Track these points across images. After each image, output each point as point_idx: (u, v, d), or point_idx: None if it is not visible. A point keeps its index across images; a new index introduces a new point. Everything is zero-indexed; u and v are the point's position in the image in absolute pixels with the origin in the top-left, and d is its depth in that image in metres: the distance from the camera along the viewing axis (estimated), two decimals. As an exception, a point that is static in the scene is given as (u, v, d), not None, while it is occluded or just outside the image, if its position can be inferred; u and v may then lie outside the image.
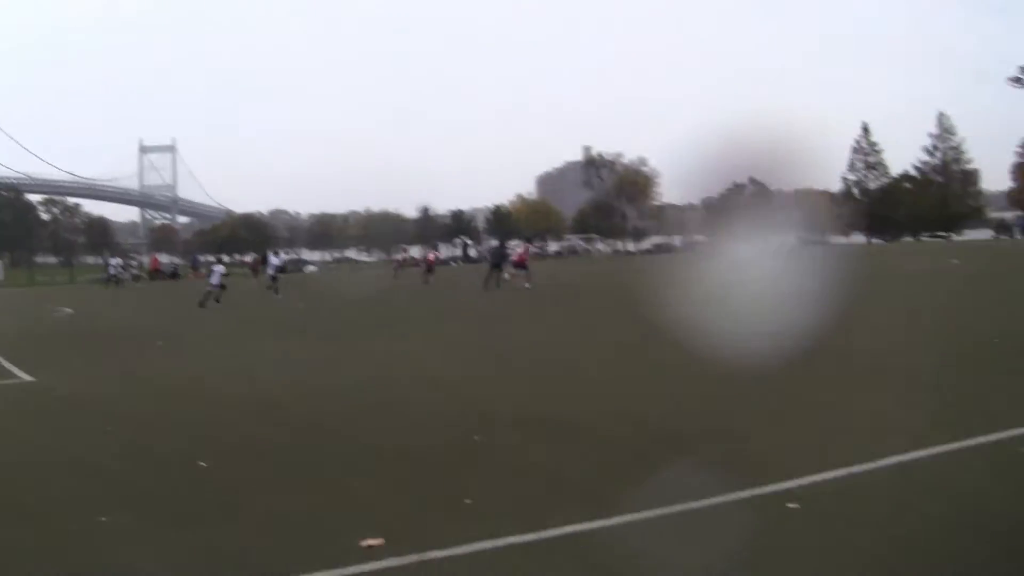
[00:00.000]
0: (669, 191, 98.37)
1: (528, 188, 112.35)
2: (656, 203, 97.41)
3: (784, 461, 5.00)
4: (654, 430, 6.25)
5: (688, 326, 10.10)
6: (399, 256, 44.05)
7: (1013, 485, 4.38)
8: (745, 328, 9.55)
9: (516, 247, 30.94)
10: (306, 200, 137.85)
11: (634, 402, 7.36)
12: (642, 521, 4.11)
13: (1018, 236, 60.24)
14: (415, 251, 54.85)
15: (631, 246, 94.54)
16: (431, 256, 36.96)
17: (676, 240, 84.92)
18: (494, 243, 35.97)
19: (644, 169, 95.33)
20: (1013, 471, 4.62)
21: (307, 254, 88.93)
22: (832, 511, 4.16)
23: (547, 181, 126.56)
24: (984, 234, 76.50)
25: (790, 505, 4.24)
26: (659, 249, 78.67)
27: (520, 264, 26.52)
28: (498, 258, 26.32)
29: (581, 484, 4.89)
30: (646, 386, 8.28)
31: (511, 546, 3.88)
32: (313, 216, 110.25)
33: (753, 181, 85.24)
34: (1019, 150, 77.28)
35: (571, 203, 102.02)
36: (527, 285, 24.63)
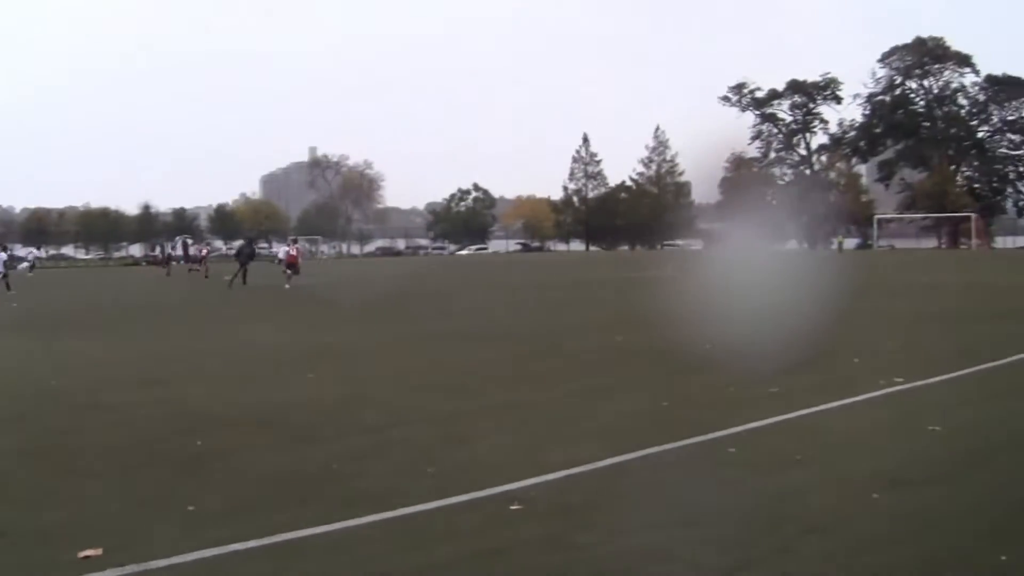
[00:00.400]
0: (396, 195, 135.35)
1: (253, 188, 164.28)
2: (381, 206, 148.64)
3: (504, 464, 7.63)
4: (370, 426, 9.42)
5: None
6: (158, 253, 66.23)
7: (718, 481, 6.93)
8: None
9: (288, 247, 46.24)
10: (20, 194, 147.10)
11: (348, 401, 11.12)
12: (369, 525, 6.10)
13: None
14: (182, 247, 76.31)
15: (356, 249, 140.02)
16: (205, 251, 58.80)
17: (401, 244, 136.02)
18: (241, 242, 54.05)
19: (369, 172, 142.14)
20: (725, 469, 7.26)
21: (22, 250, 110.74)
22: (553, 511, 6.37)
23: (272, 181, 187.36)
24: (696, 244, 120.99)
25: (513, 507, 6.41)
26: (384, 252, 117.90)
27: (292, 264, 40.83)
28: (246, 257, 42.03)
29: (303, 486, 7.16)
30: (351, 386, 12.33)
31: (235, 553, 5.62)
32: (27, 210, 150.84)
33: (476, 187, 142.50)
34: (727, 165, 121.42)
35: (296, 204, 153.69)
36: (287, 286, 38.40)
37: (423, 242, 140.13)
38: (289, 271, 39.56)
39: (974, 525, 5.73)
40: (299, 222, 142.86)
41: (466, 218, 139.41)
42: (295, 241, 49.19)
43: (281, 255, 46.96)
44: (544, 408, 9.96)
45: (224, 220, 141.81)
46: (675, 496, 6.47)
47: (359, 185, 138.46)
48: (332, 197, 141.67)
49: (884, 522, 5.80)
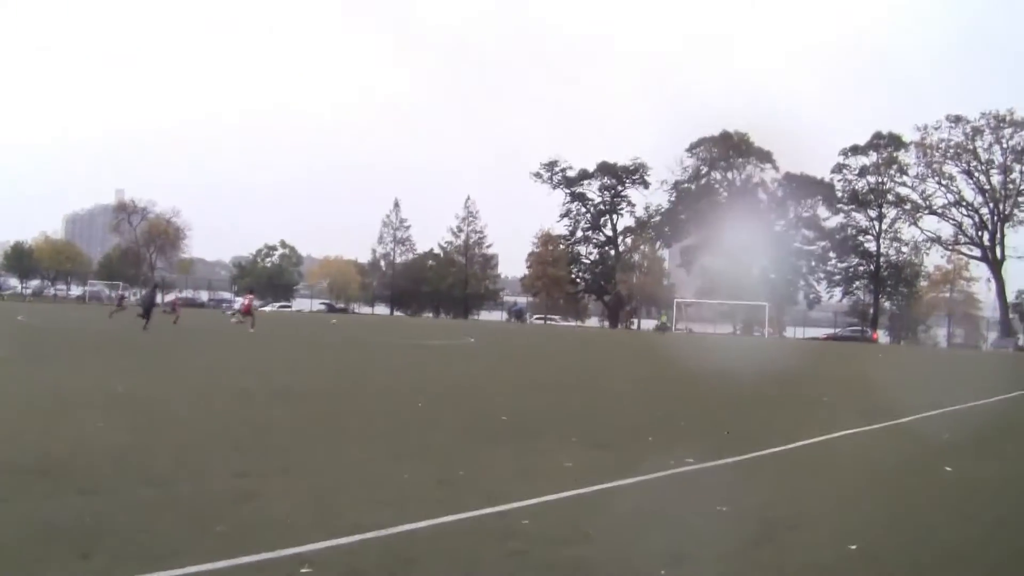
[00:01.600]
0: (203, 246, 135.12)
1: (55, 227, 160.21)
2: (187, 256, 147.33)
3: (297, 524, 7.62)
4: (159, 478, 9.20)
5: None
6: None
7: (508, 552, 7.00)
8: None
9: (242, 299, 54.54)
10: None
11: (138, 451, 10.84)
12: None
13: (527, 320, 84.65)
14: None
15: (157, 299, 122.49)
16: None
17: (204, 296, 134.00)
18: (147, 290, 55.38)
19: (176, 220, 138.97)
20: (511, 541, 7.29)
21: None
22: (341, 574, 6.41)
23: (75, 222, 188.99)
24: (498, 315, 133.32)
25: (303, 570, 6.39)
26: (186, 304, 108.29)
27: (246, 312, 49.70)
28: (148, 302, 44.71)
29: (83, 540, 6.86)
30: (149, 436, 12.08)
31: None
32: None
33: (284, 244, 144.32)
34: (535, 240, 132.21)
35: (99, 247, 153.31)
36: (251, 329, 45.18)
37: (227, 295, 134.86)
38: (243, 319, 48.53)
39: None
40: (100, 266, 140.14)
41: (272, 274, 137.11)
42: (250, 292, 56.50)
43: (236, 305, 57.41)
44: (339, 471, 9.87)
45: (20, 257, 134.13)
46: (467, 565, 6.50)
47: (165, 232, 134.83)
48: (136, 243, 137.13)
49: (669, 599, 5.88)
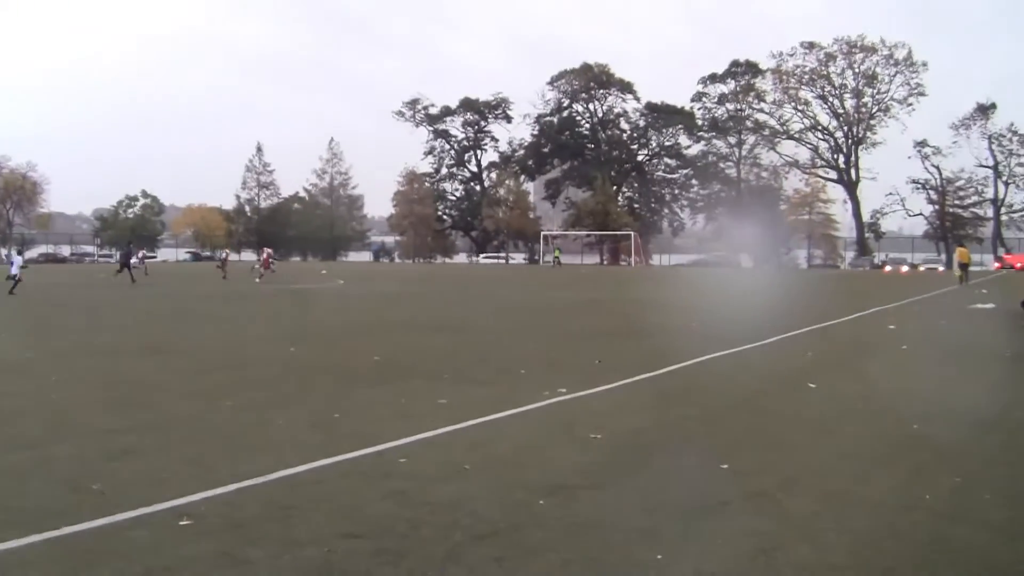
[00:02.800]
0: (62, 200, 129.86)
1: None
2: (45, 211, 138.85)
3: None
4: (31, 440, 8.99)
5: None
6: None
7: (387, 492, 7.03)
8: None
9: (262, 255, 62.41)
10: None
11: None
12: (29, 546, 5.82)
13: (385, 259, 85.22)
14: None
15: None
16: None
17: (66, 250, 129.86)
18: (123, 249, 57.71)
19: (32, 175, 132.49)
20: (389, 481, 7.36)
21: None
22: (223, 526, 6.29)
23: None
24: (366, 256, 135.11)
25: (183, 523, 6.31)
26: (48, 259, 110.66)
27: (267, 266, 56.50)
28: (125, 258, 50.43)
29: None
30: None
31: None
32: None
33: (145, 193, 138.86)
34: (400, 179, 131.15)
35: None
36: (256, 280, 50.49)
37: (90, 249, 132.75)
38: (264, 272, 54.04)
39: (631, 525, 6.04)
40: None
41: (134, 225, 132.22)
42: (265, 250, 64.99)
43: (257, 263, 60.61)
44: (215, 422, 9.76)
45: None
46: (346, 508, 6.50)
47: (21, 188, 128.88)
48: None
49: (549, 527, 6.02)
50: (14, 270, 38.08)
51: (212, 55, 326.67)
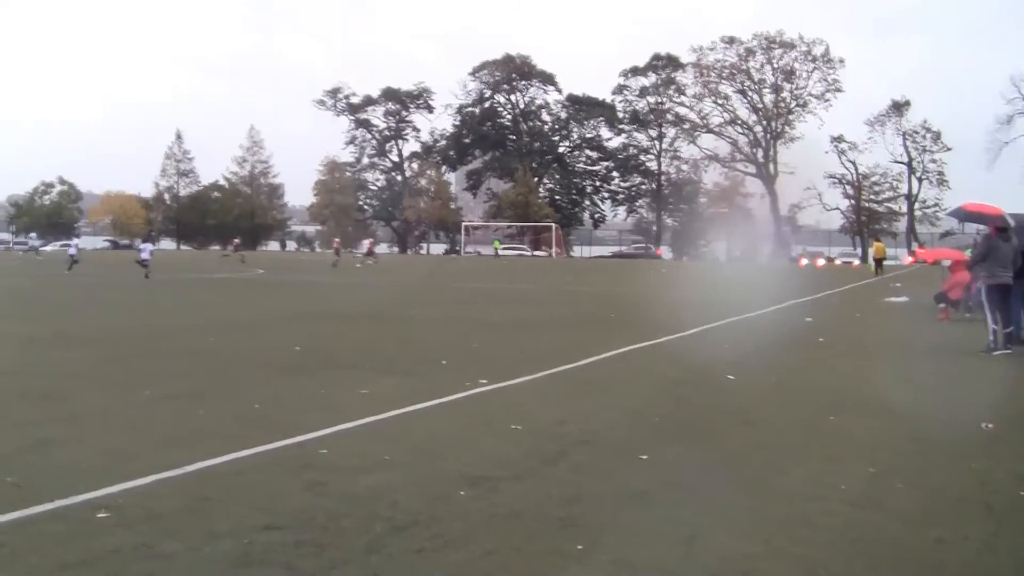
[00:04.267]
0: None
1: None
2: None
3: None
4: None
5: None
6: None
7: (307, 483, 6.99)
8: None
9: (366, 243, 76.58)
10: None
11: None
12: None
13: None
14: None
15: None
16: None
17: None
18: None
19: None
20: (309, 472, 7.30)
21: None
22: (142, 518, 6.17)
23: None
24: (289, 246, 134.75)
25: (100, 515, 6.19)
26: None
27: (371, 252, 67.70)
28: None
29: None
30: None
31: None
32: None
33: (62, 180, 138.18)
34: (321, 168, 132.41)
35: None
36: (357, 265, 59.27)
37: (4, 236, 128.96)
38: (367, 259, 62.14)
39: (552, 515, 6.08)
40: None
41: (50, 212, 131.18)
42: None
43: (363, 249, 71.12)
44: (132, 413, 9.61)
45: None
46: (266, 499, 6.46)
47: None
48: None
49: (470, 517, 6.04)
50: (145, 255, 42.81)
51: (130, 40, 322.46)
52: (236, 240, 69.19)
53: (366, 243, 67.20)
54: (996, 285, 15.86)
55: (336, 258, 62.78)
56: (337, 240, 77.01)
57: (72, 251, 47.41)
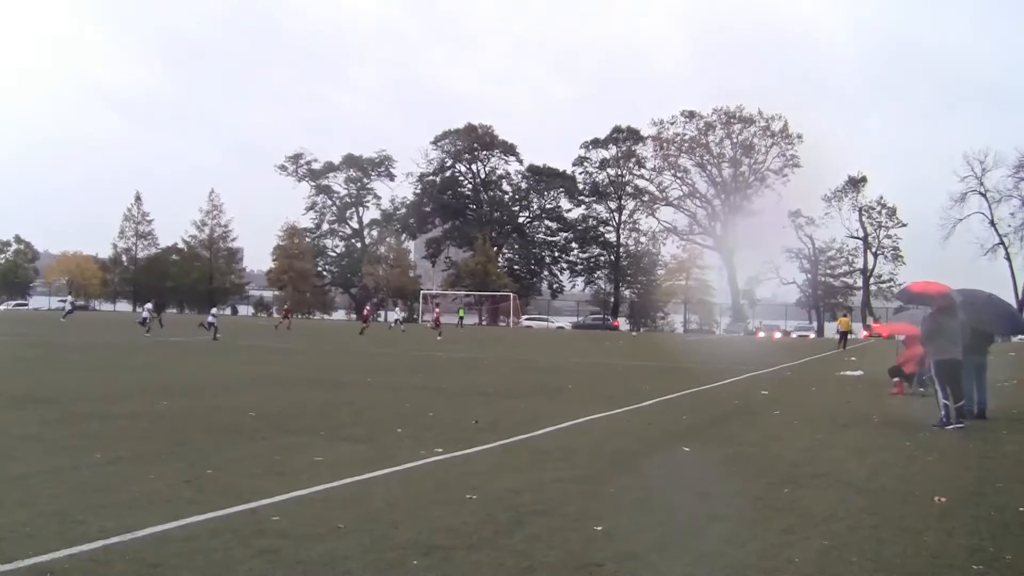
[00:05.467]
0: None
1: None
2: None
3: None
4: None
5: None
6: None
7: (259, 550, 6.90)
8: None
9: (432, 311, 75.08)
10: None
11: None
12: None
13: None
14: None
15: None
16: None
17: None
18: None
19: None
20: (262, 539, 7.21)
21: None
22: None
23: None
24: (246, 310, 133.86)
25: None
26: None
27: (436, 323, 65.07)
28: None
29: None
30: None
31: None
32: None
33: (18, 239, 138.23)
34: (280, 233, 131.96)
35: None
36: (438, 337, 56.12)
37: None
38: (435, 328, 62.22)
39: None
40: None
41: (5, 271, 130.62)
42: (437, 306, 71.22)
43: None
44: (82, 476, 9.50)
45: None
46: (217, 566, 6.38)
47: None
48: None
49: (422, 588, 5.97)
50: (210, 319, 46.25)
51: (92, 99, 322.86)
52: (287, 306, 70.19)
53: (435, 312, 67.28)
54: (945, 360, 16.10)
55: (285, 321, 63.79)
56: (287, 305, 77.18)
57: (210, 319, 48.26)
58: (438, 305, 68.26)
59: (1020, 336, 40.24)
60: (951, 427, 15.54)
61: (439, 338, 52.68)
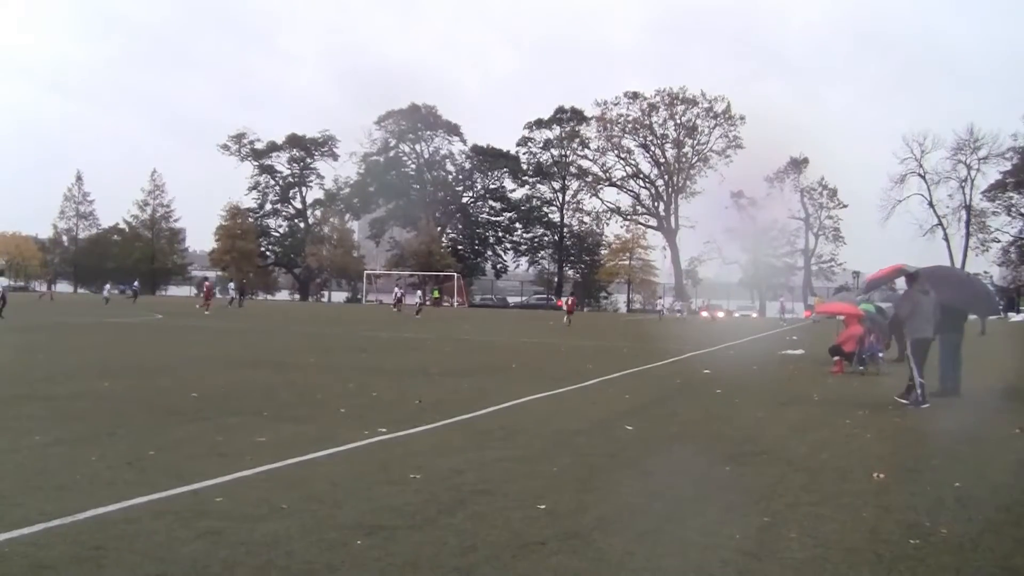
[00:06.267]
0: None
1: None
2: None
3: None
4: None
5: None
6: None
7: (201, 532, 6.87)
8: None
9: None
10: None
11: None
12: None
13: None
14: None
15: None
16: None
17: None
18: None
19: None
20: (204, 520, 7.17)
21: None
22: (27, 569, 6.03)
23: None
24: (186, 291, 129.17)
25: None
26: None
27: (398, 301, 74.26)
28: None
29: None
30: None
31: None
32: None
33: None
34: (223, 213, 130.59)
35: None
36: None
37: None
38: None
39: (449, 565, 6.06)
40: None
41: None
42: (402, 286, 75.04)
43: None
44: (20, 458, 9.38)
45: None
46: (160, 547, 6.34)
47: None
48: None
49: (366, 567, 6.02)
50: None
51: (34, 78, 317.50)
52: (208, 282, 68.20)
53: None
54: (922, 339, 16.38)
55: (206, 303, 62.02)
56: (208, 282, 73.77)
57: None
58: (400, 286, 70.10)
59: (993, 316, 40.68)
60: (925, 406, 15.79)
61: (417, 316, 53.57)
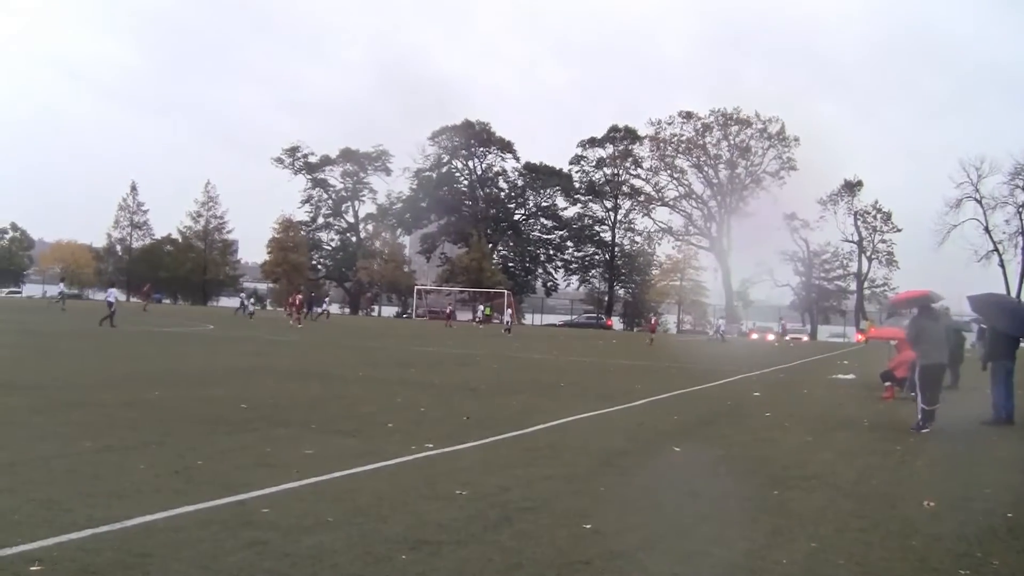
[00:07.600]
0: None
1: None
2: None
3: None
4: None
5: None
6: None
7: (247, 542, 6.90)
8: None
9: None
10: None
11: None
12: None
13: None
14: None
15: None
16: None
17: None
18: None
19: None
20: (250, 531, 7.21)
21: None
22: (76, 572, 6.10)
23: None
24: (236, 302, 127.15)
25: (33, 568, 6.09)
26: None
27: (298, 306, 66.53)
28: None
29: None
30: None
31: None
32: None
33: (14, 227, 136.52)
34: (276, 226, 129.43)
35: None
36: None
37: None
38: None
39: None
40: None
41: (0, 258, 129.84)
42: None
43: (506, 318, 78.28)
44: (71, 464, 9.48)
45: None
46: (205, 557, 6.38)
47: None
48: None
49: (410, 582, 6.00)
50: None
51: (91, 88, 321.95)
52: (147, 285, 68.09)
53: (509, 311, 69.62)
54: (931, 365, 16.18)
55: (297, 316, 61.76)
56: (299, 295, 71.99)
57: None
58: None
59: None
60: (926, 430, 15.66)
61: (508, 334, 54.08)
